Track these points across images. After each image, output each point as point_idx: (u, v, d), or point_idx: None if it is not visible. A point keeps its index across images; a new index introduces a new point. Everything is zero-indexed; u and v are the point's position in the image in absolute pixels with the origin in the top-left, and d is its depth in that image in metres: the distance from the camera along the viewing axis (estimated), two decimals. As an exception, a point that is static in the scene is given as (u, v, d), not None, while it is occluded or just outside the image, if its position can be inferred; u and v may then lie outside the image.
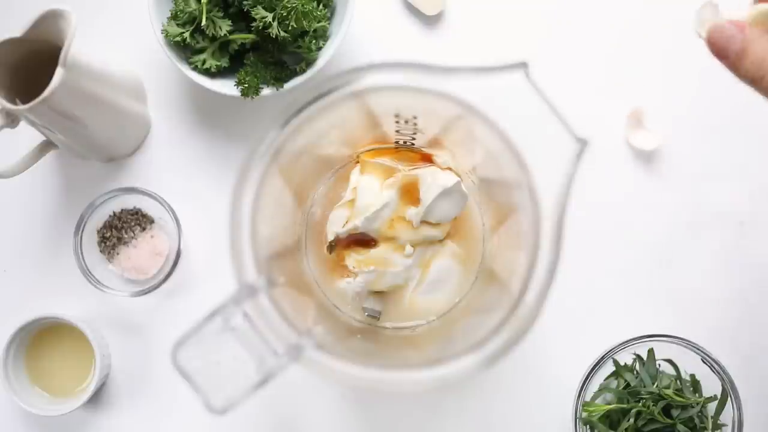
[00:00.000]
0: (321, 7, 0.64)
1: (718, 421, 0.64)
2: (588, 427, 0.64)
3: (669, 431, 0.63)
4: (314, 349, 0.43)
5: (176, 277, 0.69)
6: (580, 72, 0.70)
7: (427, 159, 0.61)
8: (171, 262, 0.67)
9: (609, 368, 0.66)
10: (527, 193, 0.44)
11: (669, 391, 0.63)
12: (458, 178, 0.59)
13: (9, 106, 0.58)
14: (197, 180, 0.70)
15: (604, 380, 0.66)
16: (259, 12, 0.62)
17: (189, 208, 0.69)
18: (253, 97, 0.64)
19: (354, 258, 0.60)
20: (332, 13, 0.66)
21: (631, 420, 0.63)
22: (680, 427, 0.63)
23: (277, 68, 0.65)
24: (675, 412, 0.63)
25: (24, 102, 0.58)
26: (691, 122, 0.70)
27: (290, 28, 0.62)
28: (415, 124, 0.54)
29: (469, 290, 0.62)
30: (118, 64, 0.67)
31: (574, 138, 0.42)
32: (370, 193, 0.59)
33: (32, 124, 0.61)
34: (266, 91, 0.64)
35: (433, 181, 0.58)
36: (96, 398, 0.69)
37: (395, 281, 0.61)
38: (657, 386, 0.64)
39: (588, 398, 0.65)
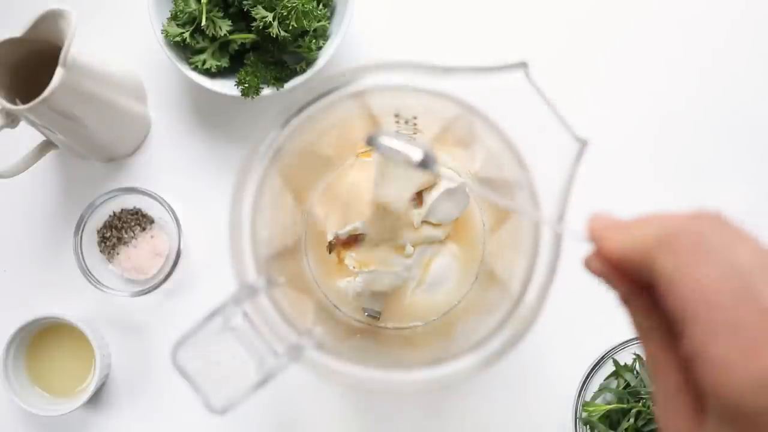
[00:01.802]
0: (321, 6, 0.64)
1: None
2: (588, 427, 0.64)
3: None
4: (314, 349, 0.43)
5: (176, 277, 0.69)
6: (580, 72, 0.70)
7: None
8: (171, 262, 0.67)
9: (609, 368, 0.66)
10: (527, 193, 0.43)
11: (669, 391, 0.63)
12: (462, 179, 0.59)
13: (9, 106, 0.58)
14: (197, 180, 0.71)
15: (604, 380, 0.66)
16: (259, 12, 0.62)
17: (189, 208, 0.70)
18: (253, 97, 0.64)
19: (354, 258, 0.60)
20: (332, 13, 0.66)
21: (631, 420, 0.63)
22: (680, 427, 0.63)
23: (277, 68, 0.65)
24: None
25: (24, 102, 0.58)
26: (692, 122, 0.70)
27: (290, 27, 0.62)
28: (415, 124, 0.54)
29: (469, 290, 0.62)
30: (118, 64, 0.67)
31: (574, 138, 0.41)
32: (367, 194, 0.59)
33: (32, 124, 0.61)
34: (266, 91, 0.64)
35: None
36: (96, 398, 0.69)
37: (395, 281, 0.61)
38: (657, 386, 0.64)
39: (588, 398, 0.65)
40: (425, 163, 0.41)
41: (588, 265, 0.34)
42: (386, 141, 0.42)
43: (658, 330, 0.32)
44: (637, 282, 0.32)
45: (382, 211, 0.58)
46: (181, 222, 0.67)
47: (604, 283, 0.34)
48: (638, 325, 0.33)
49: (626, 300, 0.33)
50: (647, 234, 0.31)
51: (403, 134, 0.41)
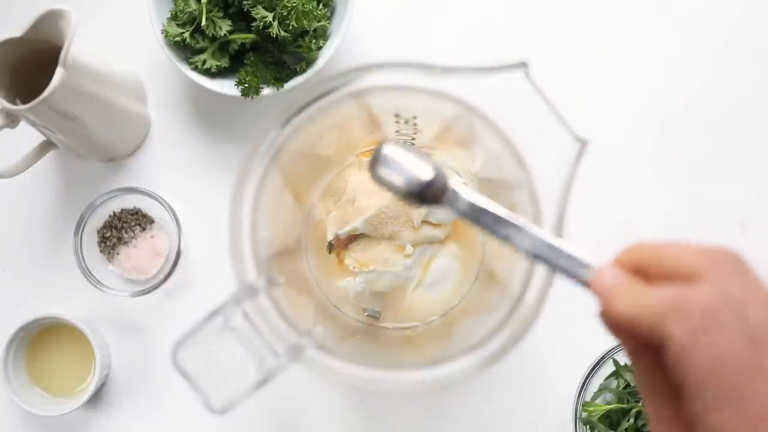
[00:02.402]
0: (321, 6, 0.64)
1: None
2: (588, 427, 0.64)
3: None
4: (314, 349, 0.43)
5: (176, 277, 0.69)
6: (580, 72, 0.70)
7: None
8: (171, 262, 0.67)
9: (609, 368, 0.66)
10: (527, 193, 0.43)
11: (669, 391, 0.63)
12: (462, 179, 0.59)
13: (9, 106, 0.58)
14: (197, 180, 0.70)
15: (604, 380, 0.66)
16: (260, 12, 0.62)
17: (189, 208, 0.70)
18: (253, 97, 0.64)
19: (354, 258, 0.60)
20: (332, 13, 0.66)
21: (631, 420, 0.63)
22: (680, 427, 0.63)
23: (277, 68, 0.65)
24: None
25: (24, 102, 0.58)
26: (692, 122, 0.70)
27: (290, 27, 0.62)
28: (415, 124, 0.54)
29: (469, 290, 0.62)
30: (118, 64, 0.67)
31: (574, 138, 0.41)
32: (367, 194, 0.59)
33: (32, 124, 0.61)
34: (266, 91, 0.64)
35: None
36: (96, 398, 0.69)
37: (395, 281, 0.61)
38: (657, 386, 0.64)
39: (588, 398, 0.65)
40: (432, 192, 0.38)
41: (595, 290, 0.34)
42: (390, 155, 0.39)
43: (663, 389, 0.31)
44: (643, 341, 0.32)
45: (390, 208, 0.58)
46: (181, 222, 0.67)
47: (611, 337, 0.33)
48: (643, 382, 0.32)
49: (632, 356, 0.33)
50: (659, 299, 0.30)
51: (412, 149, 0.40)
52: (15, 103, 0.60)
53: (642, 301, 0.31)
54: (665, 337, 0.30)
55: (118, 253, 0.69)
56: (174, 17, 0.64)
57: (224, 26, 0.63)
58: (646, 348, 0.32)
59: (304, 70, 0.64)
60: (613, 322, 0.32)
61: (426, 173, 0.39)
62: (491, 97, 0.43)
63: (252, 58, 0.64)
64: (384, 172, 0.39)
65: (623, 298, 0.32)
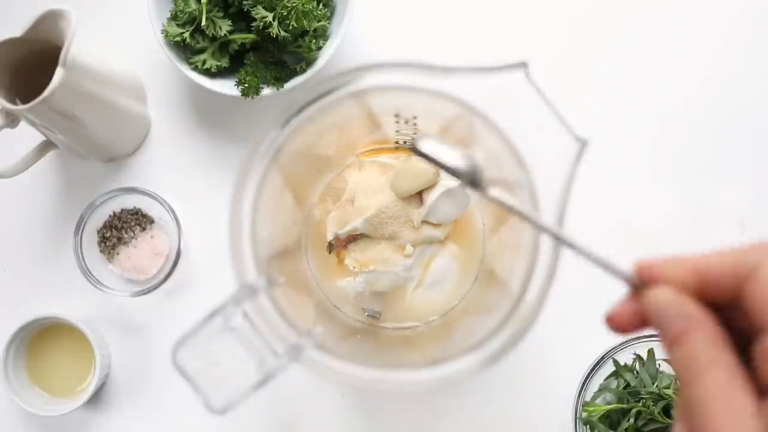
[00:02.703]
0: (321, 6, 0.64)
1: (718, 421, 0.64)
2: (588, 427, 0.64)
3: (669, 431, 0.63)
4: (314, 349, 0.43)
5: (176, 277, 0.69)
6: (580, 72, 0.70)
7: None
8: (171, 262, 0.67)
9: (609, 368, 0.66)
10: (527, 193, 0.43)
11: (669, 391, 0.63)
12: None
13: (9, 106, 0.58)
14: (197, 180, 0.71)
15: (604, 380, 0.66)
16: (260, 12, 0.62)
17: (189, 208, 0.70)
18: (253, 97, 0.64)
19: (354, 258, 0.60)
20: (332, 13, 0.66)
21: (631, 420, 0.63)
22: (680, 427, 0.63)
23: (278, 68, 0.65)
24: (675, 412, 0.63)
25: (24, 102, 0.58)
26: (692, 122, 0.70)
27: (290, 27, 0.62)
28: (415, 125, 0.54)
29: (469, 290, 0.62)
30: (118, 64, 0.67)
31: (574, 138, 0.41)
32: (367, 194, 0.59)
33: (32, 124, 0.61)
34: (266, 91, 0.64)
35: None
36: (96, 398, 0.69)
37: (395, 281, 0.61)
38: (657, 386, 0.64)
39: (588, 398, 0.65)
40: (471, 178, 0.39)
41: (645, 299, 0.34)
42: (429, 147, 0.39)
43: (729, 354, 0.30)
44: (711, 302, 0.32)
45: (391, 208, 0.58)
46: (181, 222, 0.67)
47: (654, 326, 0.33)
48: (698, 354, 0.31)
49: (683, 332, 0.31)
50: (745, 249, 0.31)
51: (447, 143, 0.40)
52: (15, 103, 0.60)
53: (719, 255, 0.32)
54: (755, 272, 0.30)
55: (118, 253, 0.69)
56: (174, 17, 0.64)
57: (224, 26, 0.63)
58: (705, 313, 0.31)
59: (304, 70, 0.64)
60: (684, 283, 0.32)
61: (461, 161, 0.39)
62: (491, 97, 0.43)
63: (252, 58, 0.64)
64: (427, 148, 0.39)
65: (692, 260, 0.32)
